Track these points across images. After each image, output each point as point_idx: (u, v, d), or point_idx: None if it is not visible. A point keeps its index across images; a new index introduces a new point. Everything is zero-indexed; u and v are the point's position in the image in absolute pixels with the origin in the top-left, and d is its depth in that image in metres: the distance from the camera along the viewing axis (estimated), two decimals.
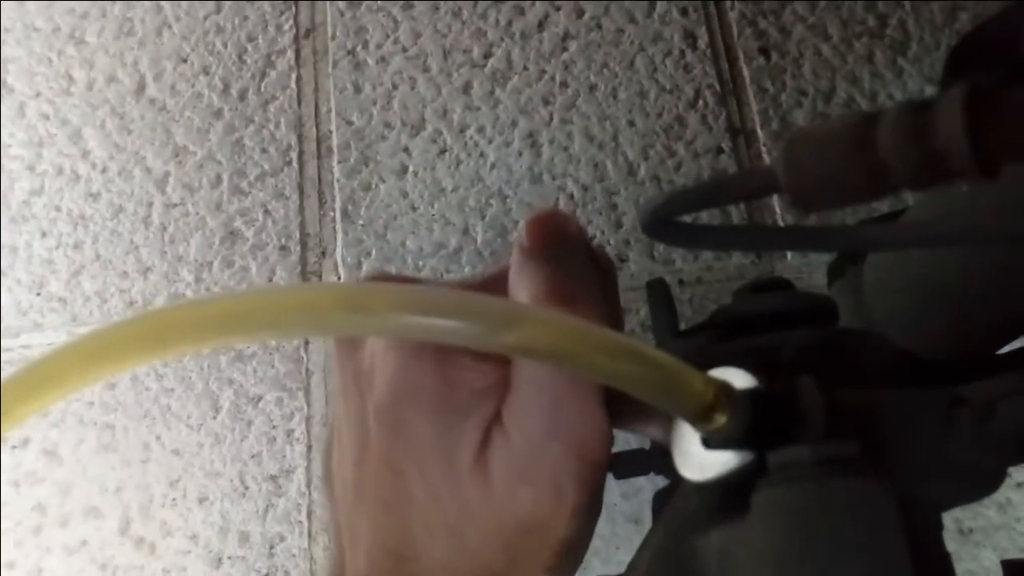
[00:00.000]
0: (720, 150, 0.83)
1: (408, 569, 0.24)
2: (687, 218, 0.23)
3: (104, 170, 0.85)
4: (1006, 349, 0.41)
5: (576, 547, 0.24)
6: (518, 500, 0.23)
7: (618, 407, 0.24)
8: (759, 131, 0.84)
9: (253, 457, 0.75)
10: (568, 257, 0.24)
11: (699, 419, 0.21)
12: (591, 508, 0.24)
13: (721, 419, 0.21)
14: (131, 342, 0.18)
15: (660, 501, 0.26)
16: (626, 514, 0.70)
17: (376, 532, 0.24)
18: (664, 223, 0.23)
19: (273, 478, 0.74)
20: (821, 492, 0.17)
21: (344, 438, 0.25)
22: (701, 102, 0.85)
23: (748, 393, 0.21)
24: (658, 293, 0.29)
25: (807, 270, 0.80)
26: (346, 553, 0.25)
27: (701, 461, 0.21)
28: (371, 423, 0.24)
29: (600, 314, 0.23)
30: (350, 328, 0.21)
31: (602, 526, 0.70)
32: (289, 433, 0.75)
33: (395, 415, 0.23)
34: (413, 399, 0.23)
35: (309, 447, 0.75)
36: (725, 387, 0.21)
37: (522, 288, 0.23)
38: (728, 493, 0.20)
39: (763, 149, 0.84)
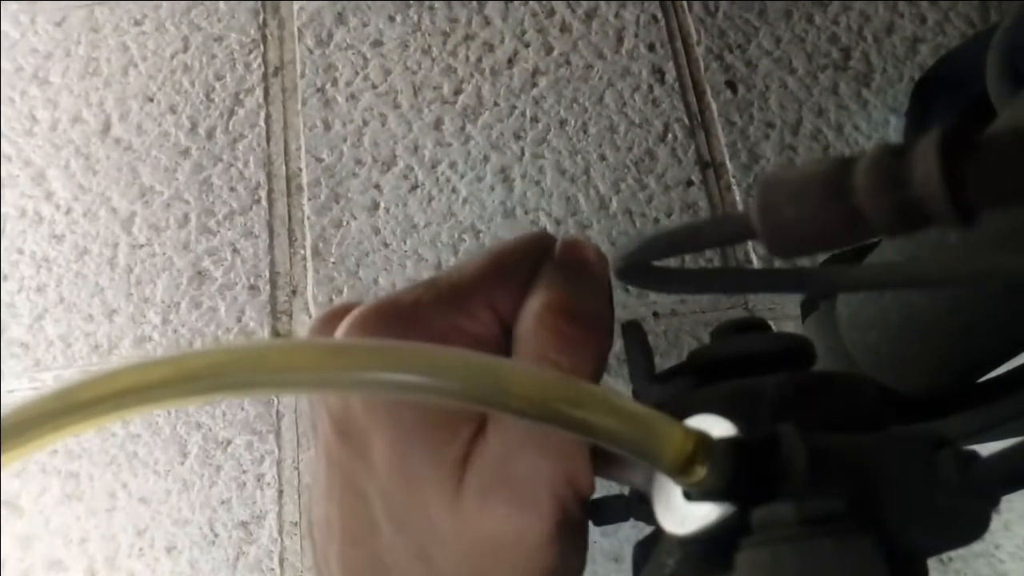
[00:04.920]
0: (690, 182, 0.84)
1: None
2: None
3: (68, 211, 0.83)
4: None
5: None
6: (490, 517, 0.22)
7: (599, 453, 0.23)
8: (728, 163, 0.85)
9: (223, 503, 0.73)
10: (592, 285, 0.24)
11: (679, 471, 0.20)
12: (570, 541, 0.23)
13: (701, 471, 0.20)
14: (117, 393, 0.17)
15: (641, 551, 0.25)
16: (606, 552, 0.69)
17: (345, 566, 0.23)
18: (637, 267, 0.22)
19: (244, 524, 0.72)
20: (808, 553, 0.17)
21: (317, 471, 0.24)
22: (670, 135, 0.86)
23: (728, 443, 0.20)
24: (634, 336, 0.28)
25: (779, 303, 0.80)
26: None
27: (682, 514, 0.21)
28: (334, 445, 0.23)
29: (595, 352, 0.23)
30: (323, 387, 0.20)
31: None
32: (260, 478, 0.73)
33: (357, 432, 0.22)
34: (387, 415, 0.22)
35: (280, 492, 0.73)
36: (704, 438, 0.20)
37: (542, 292, 0.23)
38: (711, 549, 0.19)
39: (732, 181, 0.84)
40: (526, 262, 0.24)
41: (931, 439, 0.22)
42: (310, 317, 0.79)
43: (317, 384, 0.18)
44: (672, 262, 0.24)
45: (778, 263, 0.22)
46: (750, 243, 0.82)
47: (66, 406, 0.17)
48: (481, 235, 0.81)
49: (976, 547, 0.70)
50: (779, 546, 0.17)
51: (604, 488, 0.28)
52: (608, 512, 0.29)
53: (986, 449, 0.23)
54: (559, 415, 0.18)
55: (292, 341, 0.19)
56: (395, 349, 0.18)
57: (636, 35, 0.90)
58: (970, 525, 0.22)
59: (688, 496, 0.20)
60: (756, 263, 0.81)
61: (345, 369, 0.17)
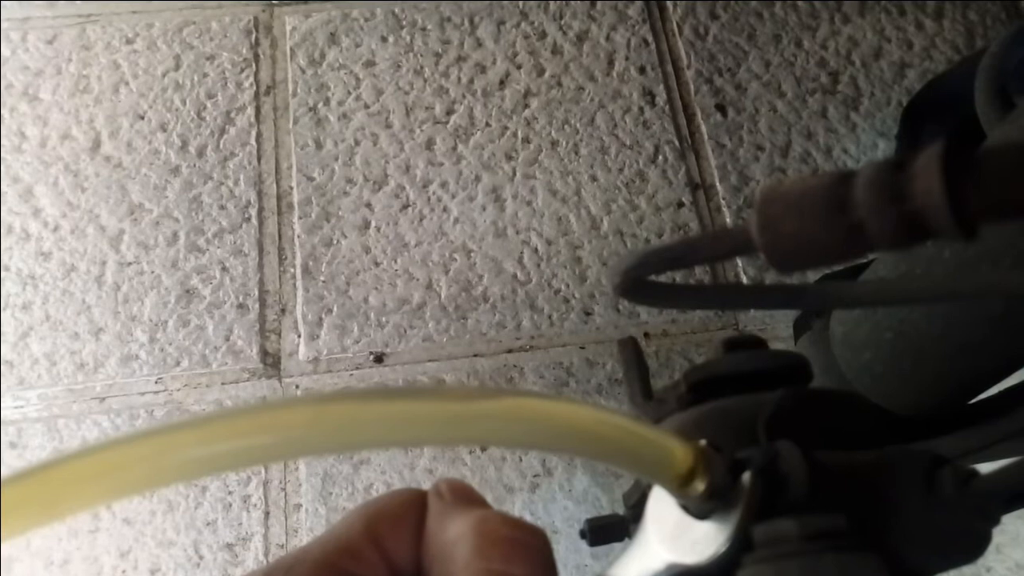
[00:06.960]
0: (681, 204, 0.84)
1: None
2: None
3: (56, 228, 0.83)
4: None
5: None
6: None
7: None
8: (718, 185, 0.85)
9: (208, 525, 0.71)
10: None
11: (680, 486, 0.20)
12: None
13: (701, 485, 0.20)
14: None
15: None
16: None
17: None
18: (635, 282, 0.22)
19: (229, 546, 0.71)
20: (812, 569, 0.16)
21: None
22: (661, 157, 0.86)
23: (727, 456, 0.20)
24: (630, 353, 0.28)
25: (770, 323, 0.80)
26: None
27: (690, 540, 0.20)
28: None
29: (548, 556, 0.21)
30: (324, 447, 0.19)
31: None
32: (246, 499, 0.72)
33: None
34: None
35: (267, 513, 0.72)
36: (704, 451, 0.20)
37: (464, 516, 0.21)
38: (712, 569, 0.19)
39: (722, 202, 0.85)
40: (413, 508, 0.22)
41: (930, 457, 0.22)
42: (299, 336, 0.78)
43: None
44: (666, 279, 0.24)
45: (770, 280, 0.22)
46: (740, 265, 0.82)
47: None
48: (472, 254, 0.81)
49: (967, 570, 0.70)
50: (783, 562, 0.17)
51: (596, 504, 0.27)
52: (604, 532, 0.29)
53: (981, 470, 0.23)
54: (561, 440, 0.18)
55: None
56: (419, 391, 0.18)
57: (627, 58, 0.91)
58: (970, 542, 0.21)
59: (687, 510, 0.20)
60: (746, 283, 0.81)
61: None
